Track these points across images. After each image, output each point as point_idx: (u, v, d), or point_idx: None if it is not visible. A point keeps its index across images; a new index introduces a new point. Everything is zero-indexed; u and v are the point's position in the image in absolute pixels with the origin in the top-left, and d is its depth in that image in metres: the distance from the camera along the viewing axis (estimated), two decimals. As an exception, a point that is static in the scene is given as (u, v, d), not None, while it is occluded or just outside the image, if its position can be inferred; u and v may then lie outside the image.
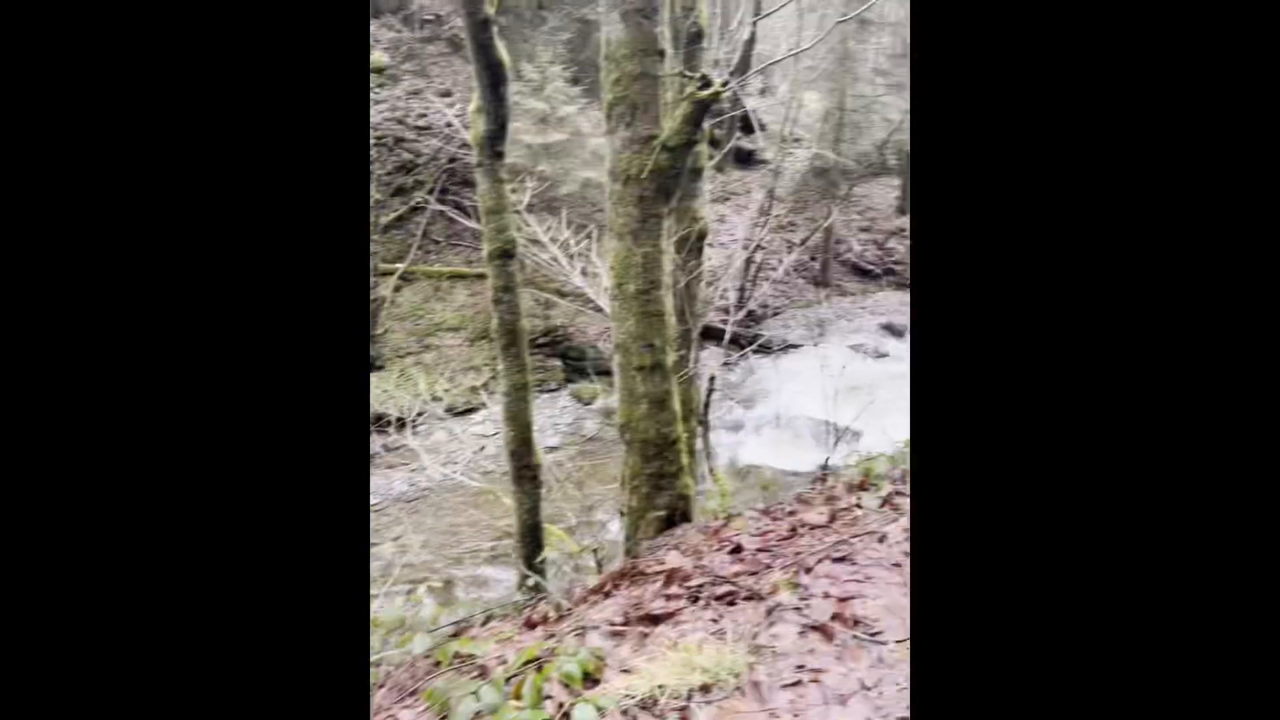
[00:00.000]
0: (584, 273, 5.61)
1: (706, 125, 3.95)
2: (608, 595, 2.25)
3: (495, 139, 3.86)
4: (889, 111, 16.11)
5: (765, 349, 10.78)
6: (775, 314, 13.86)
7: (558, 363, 11.07)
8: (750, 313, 12.11)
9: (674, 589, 2.10)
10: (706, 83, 2.98)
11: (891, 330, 13.46)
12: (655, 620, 1.92)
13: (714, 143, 10.97)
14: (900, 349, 12.55)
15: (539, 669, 1.68)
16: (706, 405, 5.16)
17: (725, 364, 8.90)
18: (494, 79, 3.75)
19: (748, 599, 1.97)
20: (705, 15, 4.50)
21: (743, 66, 11.95)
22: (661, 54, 3.12)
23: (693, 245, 4.80)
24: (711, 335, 7.41)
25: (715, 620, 1.88)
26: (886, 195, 17.61)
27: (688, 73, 3.20)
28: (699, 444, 4.70)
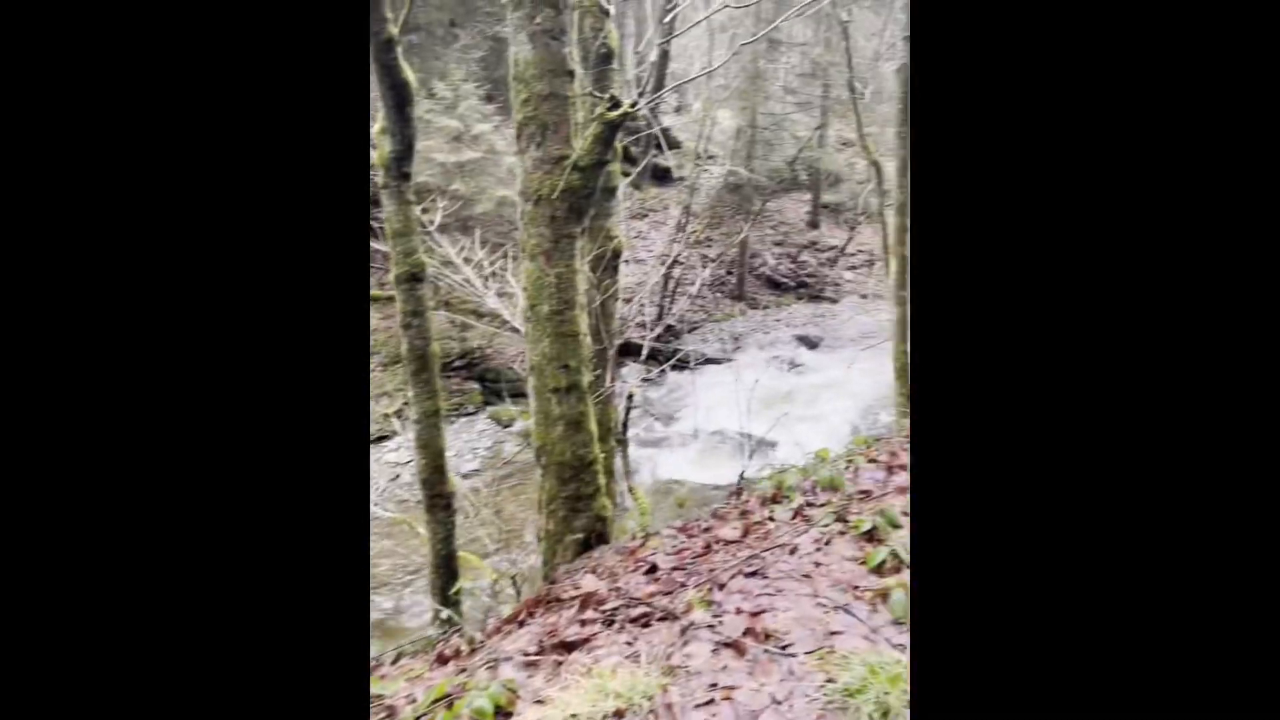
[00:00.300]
0: (499, 294, 5.54)
1: (621, 143, 3.97)
2: (522, 624, 2.22)
3: (401, 160, 3.78)
4: (798, 129, 16.66)
5: (684, 364, 10.87)
6: (693, 329, 14.03)
7: (476, 385, 10.86)
8: (669, 328, 12.22)
9: (589, 614, 2.08)
10: (616, 103, 3.00)
11: (805, 342, 13.82)
12: (570, 647, 1.90)
13: (630, 160, 11.05)
14: (814, 360, 12.90)
15: (449, 706, 1.63)
16: (625, 423, 5.16)
17: (644, 380, 8.93)
18: (399, 99, 3.68)
19: (662, 619, 1.98)
20: (615, 36, 4.53)
21: (656, 85, 12.11)
22: (571, 74, 3.13)
23: (608, 264, 4.80)
24: (630, 351, 7.43)
25: (630, 643, 1.87)
26: (798, 210, 18.16)
27: (597, 93, 3.21)
28: (618, 463, 4.69)
